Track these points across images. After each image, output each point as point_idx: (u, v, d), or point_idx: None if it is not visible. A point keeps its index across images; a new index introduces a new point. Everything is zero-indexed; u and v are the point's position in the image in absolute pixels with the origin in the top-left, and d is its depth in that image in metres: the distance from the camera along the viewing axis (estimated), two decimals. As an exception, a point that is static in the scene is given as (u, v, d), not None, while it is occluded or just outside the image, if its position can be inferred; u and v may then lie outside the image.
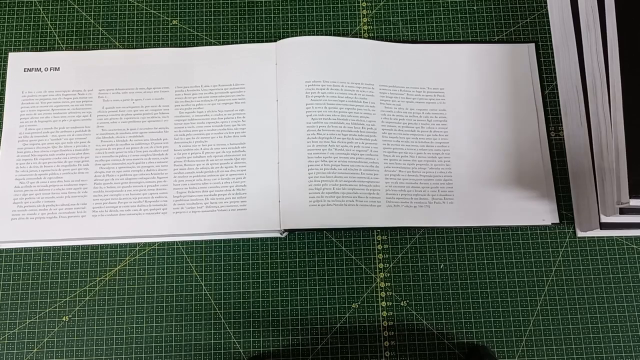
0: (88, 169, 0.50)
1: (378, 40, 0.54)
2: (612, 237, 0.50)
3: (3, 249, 0.49)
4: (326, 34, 0.55)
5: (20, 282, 0.49)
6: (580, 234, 0.50)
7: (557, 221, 0.49)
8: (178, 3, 0.56)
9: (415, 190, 0.50)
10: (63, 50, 0.54)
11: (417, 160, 0.50)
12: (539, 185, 0.50)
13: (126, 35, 0.55)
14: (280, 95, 0.51)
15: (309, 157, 0.49)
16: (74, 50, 0.54)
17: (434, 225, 0.49)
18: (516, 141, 0.51)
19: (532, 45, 0.54)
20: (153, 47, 0.54)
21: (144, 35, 0.55)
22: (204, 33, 0.55)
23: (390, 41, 0.54)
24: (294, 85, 0.51)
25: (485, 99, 0.52)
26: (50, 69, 0.53)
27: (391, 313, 0.48)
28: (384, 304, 0.49)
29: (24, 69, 0.53)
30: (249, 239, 0.50)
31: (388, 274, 0.49)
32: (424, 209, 0.49)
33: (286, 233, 0.50)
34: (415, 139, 0.51)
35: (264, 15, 0.56)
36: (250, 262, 0.49)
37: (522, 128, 0.52)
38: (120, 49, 0.54)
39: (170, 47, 0.54)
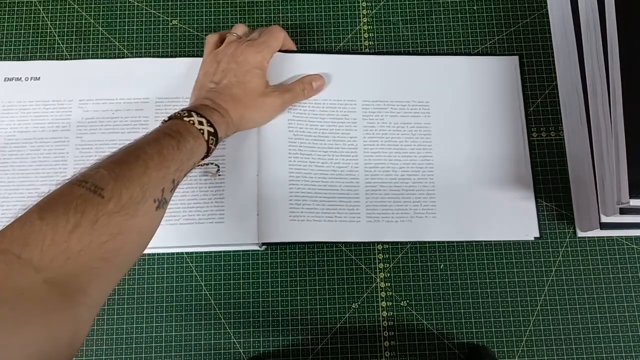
0: (66, 180, 0.49)
1: (378, 41, 0.54)
2: (612, 237, 0.50)
3: None
4: (326, 34, 0.55)
5: (20, 282, 0.49)
6: (580, 234, 0.50)
7: (539, 235, 0.49)
8: (178, 3, 0.56)
9: (397, 204, 0.49)
10: (63, 50, 0.54)
11: (399, 175, 0.50)
12: (523, 200, 0.50)
13: (126, 35, 0.55)
14: None
15: (290, 172, 0.49)
16: (74, 50, 0.54)
17: (415, 240, 0.49)
18: (501, 155, 0.51)
19: (516, 57, 0.54)
20: (153, 48, 0.54)
21: (144, 35, 0.55)
22: (203, 33, 0.55)
23: (385, 50, 0.54)
24: None
25: (471, 112, 0.52)
26: (31, 79, 0.52)
27: (391, 313, 0.48)
28: (384, 304, 0.49)
29: (4, 79, 0.52)
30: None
31: (388, 274, 0.49)
32: (405, 224, 0.49)
33: (264, 246, 0.49)
34: (398, 153, 0.51)
35: (264, 16, 0.56)
36: (251, 262, 0.49)
37: (507, 141, 0.51)
38: (120, 49, 0.54)
39: (170, 48, 0.54)
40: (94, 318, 0.32)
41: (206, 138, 0.41)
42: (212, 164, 0.49)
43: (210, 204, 0.48)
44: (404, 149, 0.51)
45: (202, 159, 0.42)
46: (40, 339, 0.27)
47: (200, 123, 0.41)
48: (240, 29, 0.50)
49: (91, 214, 0.31)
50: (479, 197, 0.50)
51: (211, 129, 0.42)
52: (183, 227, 0.48)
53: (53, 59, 0.54)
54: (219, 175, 0.49)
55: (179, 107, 0.50)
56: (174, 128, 0.40)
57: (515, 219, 0.49)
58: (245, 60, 0.47)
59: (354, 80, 0.52)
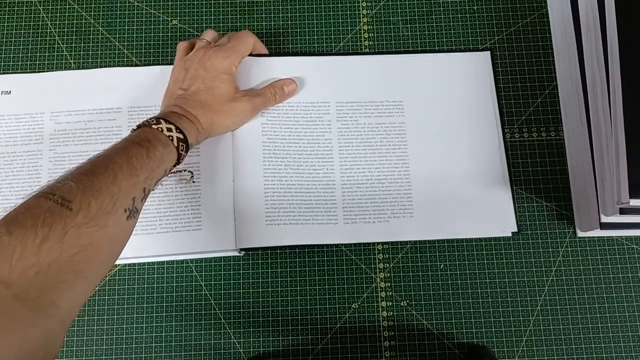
0: (33, 193, 0.49)
1: (378, 41, 0.54)
2: (612, 237, 0.50)
3: None
4: (326, 34, 0.55)
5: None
6: (580, 234, 0.50)
7: (516, 230, 0.49)
8: (178, 3, 0.56)
9: (373, 205, 0.49)
10: (63, 50, 0.54)
11: (375, 175, 0.50)
12: (500, 196, 0.49)
13: (126, 36, 0.55)
14: None
15: (265, 176, 0.49)
16: (74, 50, 0.54)
17: (393, 240, 0.49)
18: (476, 152, 0.51)
19: (488, 53, 0.53)
20: (153, 48, 0.54)
21: (144, 35, 0.55)
22: (204, 33, 0.55)
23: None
24: None
25: (444, 110, 0.52)
26: (2, 93, 0.52)
27: (391, 313, 0.48)
28: (384, 304, 0.49)
29: None
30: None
31: (388, 274, 0.49)
32: (382, 224, 0.49)
33: (243, 252, 0.49)
34: (373, 153, 0.50)
35: (264, 16, 0.56)
36: (251, 262, 0.49)
37: (482, 138, 0.51)
38: (120, 49, 0.54)
39: (170, 48, 0.54)
40: (68, 329, 0.32)
41: (176, 145, 0.41)
42: (185, 170, 0.49)
43: (187, 212, 0.48)
44: (379, 149, 0.50)
45: (174, 165, 0.42)
46: (13, 353, 0.27)
47: (169, 130, 0.41)
48: (209, 34, 0.50)
49: (59, 227, 0.31)
50: (455, 195, 0.49)
51: (180, 136, 0.42)
52: (160, 236, 0.48)
53: (53, 60, 0.54)
54: (194, 181, 0.49)
55: (151, 115, 0.49)
56: (143, 136, 0.40)
57: (491, 215, 0.49)
58: (212, 66, 0.47)
59: (327, 82, 0.52)
